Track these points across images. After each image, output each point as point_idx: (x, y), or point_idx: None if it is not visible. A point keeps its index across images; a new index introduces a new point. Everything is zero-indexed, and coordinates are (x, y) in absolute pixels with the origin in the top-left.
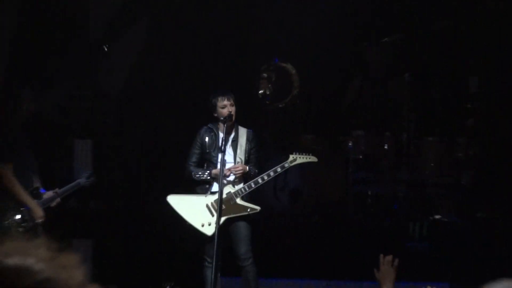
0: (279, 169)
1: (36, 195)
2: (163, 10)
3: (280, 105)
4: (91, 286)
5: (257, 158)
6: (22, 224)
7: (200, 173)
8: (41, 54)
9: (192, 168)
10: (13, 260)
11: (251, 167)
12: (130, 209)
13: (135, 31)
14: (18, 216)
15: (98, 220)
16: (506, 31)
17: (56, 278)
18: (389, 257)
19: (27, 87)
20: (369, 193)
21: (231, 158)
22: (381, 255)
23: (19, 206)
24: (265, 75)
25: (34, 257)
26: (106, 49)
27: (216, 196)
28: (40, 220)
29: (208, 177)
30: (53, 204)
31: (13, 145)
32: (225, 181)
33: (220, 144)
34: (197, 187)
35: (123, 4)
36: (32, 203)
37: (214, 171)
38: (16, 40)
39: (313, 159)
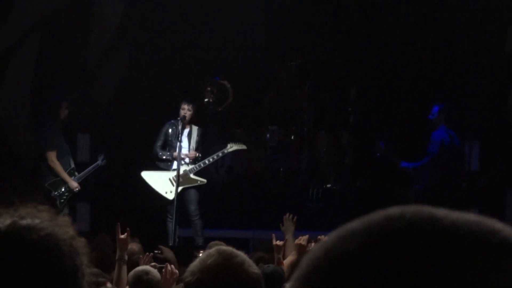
0: (220, 154)
1: (73, 174)
2: (141, 41)
3: (219, 109)
4: (79, 239)
5: (202, 146)
6: (66, 194)
7: (164, 154)
8: (53, 73)
9: (158, 149)
10: (26, 221)
11: (199, 154)
12: (115, 182)
13: (120, 56)
14: (63, 189)
15: (94, 189)
16: (374, 55)
17: (55, 233)
18: (289, 216)
19: (64, 99)
20: (281, 169)
21: (186, 145)
22: (285, 215)
23: (64, 182)
24: (209, 88)
25: (39, 219)
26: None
27: (175, 173)
28: (76, 190)
29: (170, 158)
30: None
31: (56, 139)
32: (182, 162)
33: (179, 136)
34: (161, 164)
35: (112, 38)
36: (68, 178)
37: (175, 154)
38: (37, 64)
39: (243, 146)
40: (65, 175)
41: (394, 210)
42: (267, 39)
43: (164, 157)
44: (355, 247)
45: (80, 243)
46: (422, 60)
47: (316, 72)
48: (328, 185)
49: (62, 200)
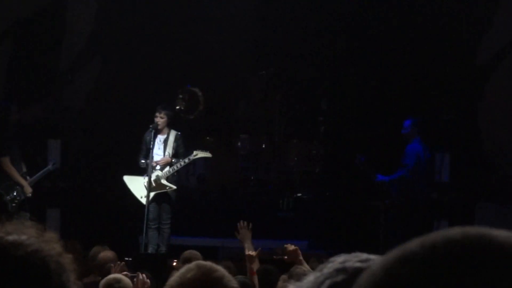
0: (186, 160)
1: (25, 178)
2: (112, 49)
3: (191, 117)
4: (66, 255)
5: (184, 151)
6: (17, 198)
7: (143, 163)
8: (25, 79)
9: (140, 158)
10: (12, 237)
11: (174, 159)
12: (87, 187)
13: (91, 64)
14: (14, 193)
15: (64, 195)
16: (346, 66)
17: (42, 249)
18: (243, 223)
19: (14, 104)
20: (252, 177)
21: (161, 152)
22: (239, 223)
23: (15, 185)
24: (180, 96)
25: (26, 234)
26: (70, 78)
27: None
28: (29, 195)
29: (145, 166)
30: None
31: (8, 144)
32: (157, 167)
33: (151, 143)
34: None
35: (84, 45)
36: (24, 183)
37: (147, 161)
38: (9, 70)
39: (208, 155)
40: (21, 180)
41: (455, 234)
42: (239, 48)
43: (141, 166)
44: (416, 271)
45: (67, 259)
46: (394, 72)
47: (287, 81)
48: (299, 195)
49: (13, 204)
